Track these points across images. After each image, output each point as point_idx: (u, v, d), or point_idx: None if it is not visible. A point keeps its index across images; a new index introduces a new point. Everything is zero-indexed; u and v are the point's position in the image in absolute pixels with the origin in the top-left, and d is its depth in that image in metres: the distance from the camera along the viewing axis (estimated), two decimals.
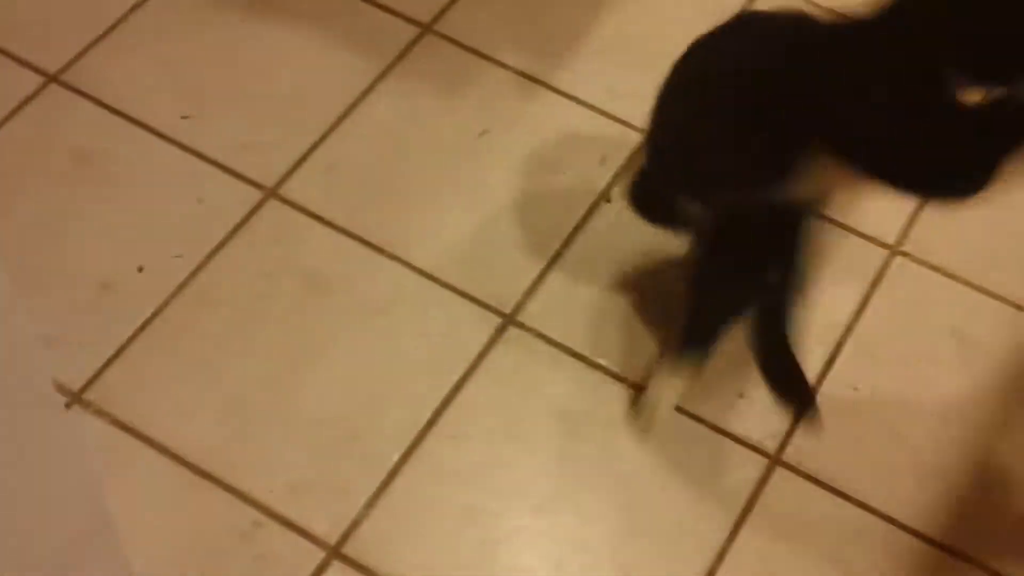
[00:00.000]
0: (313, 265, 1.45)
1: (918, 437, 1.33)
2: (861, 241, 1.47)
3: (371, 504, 1.29)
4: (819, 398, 1.34)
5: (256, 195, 1.49)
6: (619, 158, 1.53)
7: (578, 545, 1.27)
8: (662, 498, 1.29)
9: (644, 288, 1.43)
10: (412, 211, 1.49)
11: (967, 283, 1.44)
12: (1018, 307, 1.42)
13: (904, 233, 1.48)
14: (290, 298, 1.42)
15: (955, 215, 1.45)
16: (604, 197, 1.50)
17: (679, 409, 1.34)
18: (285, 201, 1.49)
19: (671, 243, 1.39)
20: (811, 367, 1.36)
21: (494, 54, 1.62)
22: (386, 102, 1.58)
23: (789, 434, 1.33)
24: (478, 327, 1.40)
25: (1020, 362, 1.37)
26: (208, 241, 1.46)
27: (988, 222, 1.46)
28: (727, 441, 1.33)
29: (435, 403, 1.35)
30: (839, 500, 1.29)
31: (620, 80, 1.59)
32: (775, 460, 1.31)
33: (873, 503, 1.29)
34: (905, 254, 1.46)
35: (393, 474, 1.31)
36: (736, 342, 1.35)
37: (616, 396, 1.35)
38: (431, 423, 1.34)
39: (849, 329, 1.40)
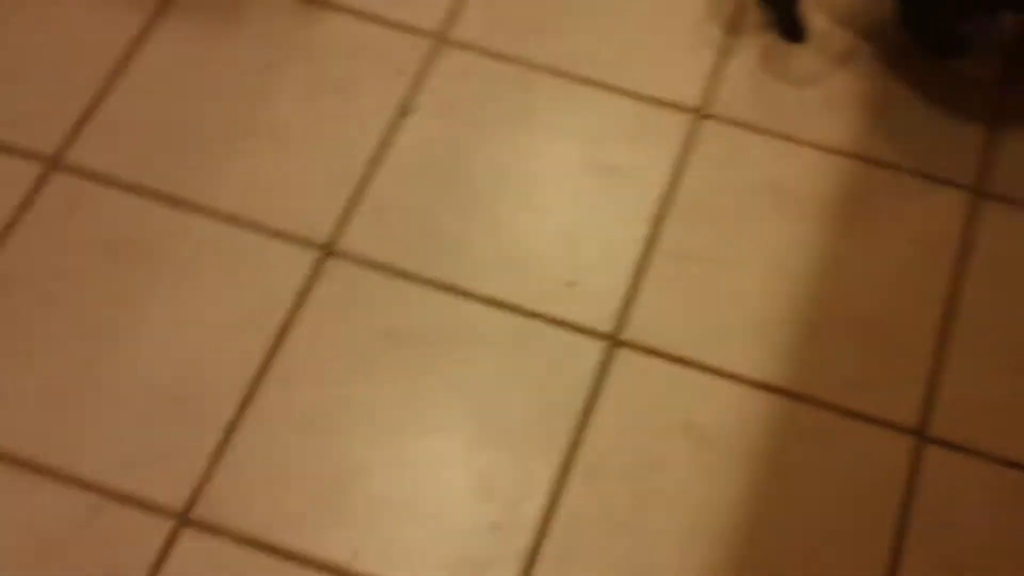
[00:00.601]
0: (112, 232, 1.37)
1: (749, 292, 1.33)
2: (667, 110, 1.45)
3: (213, 464, 1.23)
4: (647, 270, 1.33)
5: (37, 168, 1.41)
6: (413, 67, 1.48)
7: (431, 463, 1.24)
8: (509, 401, 1.26)
9: (462, 193, 1.39)
10: (207, 159, 1.42)
11: (776, 135, 1.43)
12: (828, 150, 1.42)
13: (708, 95, 1.47)
14: (94, 271, 1.35)
15: (753, 75, 1.46)
16: (404, 110, 1.45)
17: (532, 314, 1.31)
18: (71, 169, 1.41)
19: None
20: (637, 240, 1.35)
21: None
22: (161, 50, 1.50)
23: (624, 313, 1.31)
24: (295, 265, 1.35)
25: (834, 202, 1.38)
26: None
27: (781, 80, 1.46)
28: (564, 332, 1.31)
29: (263, 350, 1.30)
30: (682, 368, 1.28)
31: None
32: (614, 341, 1.30)
33: (716, 364, 1.28)
34: (711, 116, 1.45)
35: (231, 430, 1.25)
36: (554, 236, 1.34)
37: (448, 308, 1.32)
38: (262, 371, 1.28)
39: (669, 199, 1.39)
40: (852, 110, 1.44)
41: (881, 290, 1.32)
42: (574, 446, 1.24)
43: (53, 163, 1.41)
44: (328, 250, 1.36)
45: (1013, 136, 1.42)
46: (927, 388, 1.26)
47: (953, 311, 1.30)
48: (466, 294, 1.33)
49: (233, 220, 1.38)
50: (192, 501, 1.21)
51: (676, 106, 1.45)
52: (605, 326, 1.30)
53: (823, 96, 1.45)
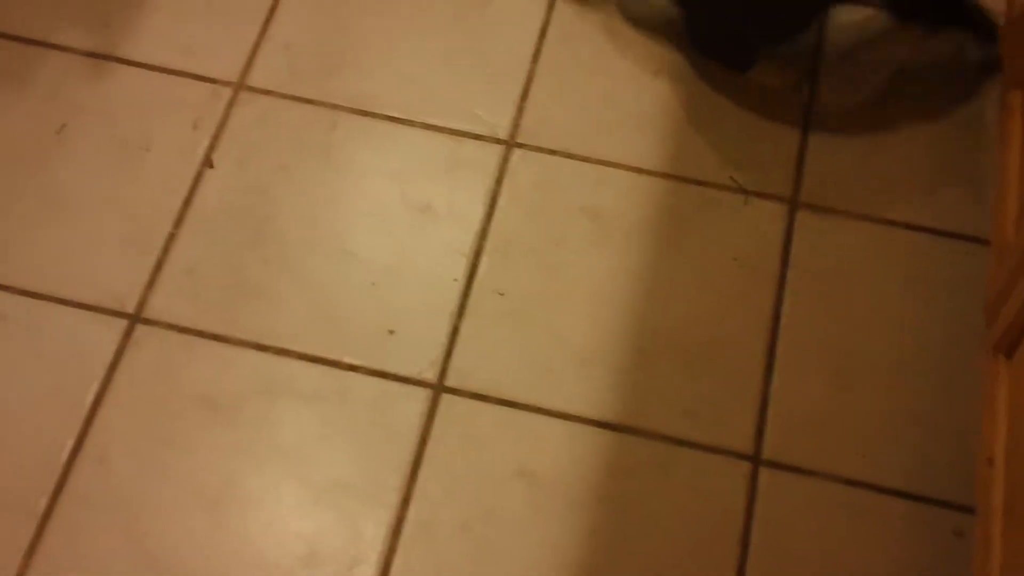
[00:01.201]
0: None
1: (573, 326, 1.30)
2: (477, 143, 1.42)
3: (29, 556, 1.17)
4: (467, 311, 1.30)
5: None
6: (213, 119, 1.42)
7: (255, 533, 1.19)
8: (334, 460, 1.22)
9: (269, 249, 1.34)
10: (2, 228, 1.35)
11: (588, 159, 1.41)
12: (641, 171, 1.40)
13: (515, 125, 1.44)
14: None
15: (560, 96, 1.44)
16: (206, 163, 1.40)
17: (351, 368, 1.27)
18: None
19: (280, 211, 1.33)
20: (456, 279, 1.32)
21: (53, 39, 1.48)
22: None
23: (447, 358, 1.28)
24: (103, 337, 1.28)
25: (648, 223, 1.36)
26: None
27: (588, 97, 1.44)
28: (386, 383, 1.27)
29: (74, 430, 1.23)
30: (511, 411, 1.25)
31: (194, 36, 1.48)
32: (438, 388, 1.26)
33: (545, 404, 1.25)
34: (521, 145, 1.42)
35: (45, 519, 1.19)
36: (368, 283, 1.30)
37: (264, 368, 1.27)
38: (75, 452, 1.22)
39: (483, 234, 1.36)
40: (662, 129, 1.43)
41: (708, 312, 1.30)
42: (405, 502, 1.20)
43: None
44: (136, 318, 1.29)
45: (818, 146, 1.43)
46: (759, 411, 1.26)
47: (777, 327, 1.30)
48: (281, 352, 1.28)
49: (29, 294, 1.31)
50: None
51: (485, 138, 1.41)
52: (428, 374, 1.27)
53: (633, 116, 1.43)
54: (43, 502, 1.20)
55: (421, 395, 1.26)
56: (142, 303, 1.31)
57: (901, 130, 1.43)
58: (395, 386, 1.26)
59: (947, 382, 1.26)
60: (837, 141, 1.42)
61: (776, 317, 1.30)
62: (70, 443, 1.23)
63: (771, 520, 1.20)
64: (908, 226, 1.36)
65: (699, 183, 1.39)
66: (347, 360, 1.27)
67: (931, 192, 1.39)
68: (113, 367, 1.27)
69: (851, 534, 1.20)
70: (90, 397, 1.25)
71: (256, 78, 1.45)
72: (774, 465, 1.23)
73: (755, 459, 1.23)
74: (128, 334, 1.29)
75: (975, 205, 1.37)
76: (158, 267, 1.33)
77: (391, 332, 1.29)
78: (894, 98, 1.45)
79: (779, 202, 1.38)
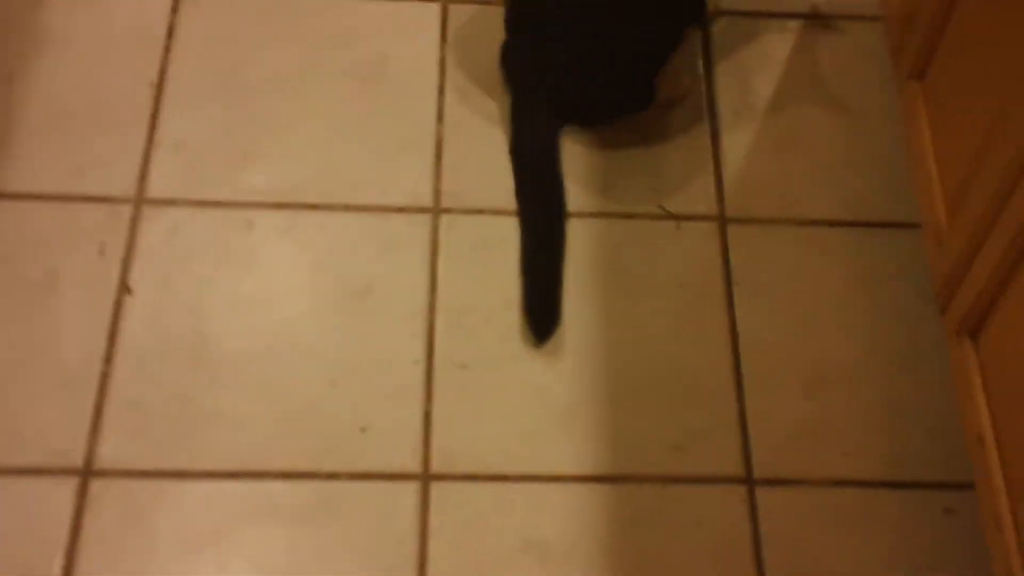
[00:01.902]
0: None
1: (543, 385, 1.28)
2: (404, 216, 1.38)
3: None
4: (435, 390, 1.27)
5: None
6: (119, 242, 1.34)
7: None
8: (336, 572, 1.18)
9: (214, 369, 1.27)
10: None
11: (512, 213, 1.39)
12: (574, 215, 1.39)
13: (436, 190, 1.40)
14: None
15: (472, 158, 1.42)
16: (124, 290, 1.31)
17: (331, 476, 1.22)
18: None
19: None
20: (416, 361, 1.29)
21: None
22: None
23: (427, 444, 1.25)
24: (56, 498, 1.19)
25: (594, 265, 1.37)
26: None
27: (501, 149, 1.42)
28: (371, 483, 1.22)
29: None
30: (503, 484, 1.22)
31: (80, 155, 1.38)
32: (426, 477, 1.23)
33: (534, 470, 1.23)
34: (447, 210, 1.39)
35: None
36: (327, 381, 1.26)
37: (239, 494, 1.20)
38: None
39: (432, 307, 1.32)
40: (583, 169, 1.42)
41: (670, 345, 1.31)
42: None
43: None
44: (87, 472, 1.21)
45: (732, 157, 1.45)
46: (741, 432, 1.27)
47: (739, 348, 1.32)
48: (254, 474, 1.22)
49: None
50: None
51: (410, 209, 1.38)
52: (411, 465, 1.23)
53: None
54: None
55: (410, 488, 1.22)
56: (90, 454, 1.22)
57: (805, 127, 1.47)
58: (381, 485, 1.22)
59: (910, 368, 1.32)
60: (748, 149, 1.45)
61: (734, 336, 1.32)
62: None
63: (777, 536, 1.22)
64: (832, 223, 1.40)
65: (630, 216, 1.39)
66: (326, 468, 1.23)
67: (844, 185, 1.43)
68: (76, 530, 1.18)
69: (851, 532, 1.23)
70: (58, 568, 1.16)
71: (155, 189, 1.37)
72: (767, 482, 1.25)
73: (748, 480, 1.25)
74: (83, 491, 1.20)
75: (890, 193, 1.43)
76: (98, 411, 1.24)
77: (363, 430, 1.25)
78: (791, 96, 1.49)
79: (709, 221, 1.40)
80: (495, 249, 1.36)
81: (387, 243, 1.36)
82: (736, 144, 1.45)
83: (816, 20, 1.57)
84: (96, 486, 1.21)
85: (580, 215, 1.39)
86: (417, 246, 1.36)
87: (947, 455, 1.26)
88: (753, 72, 1.52)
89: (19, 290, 1.30)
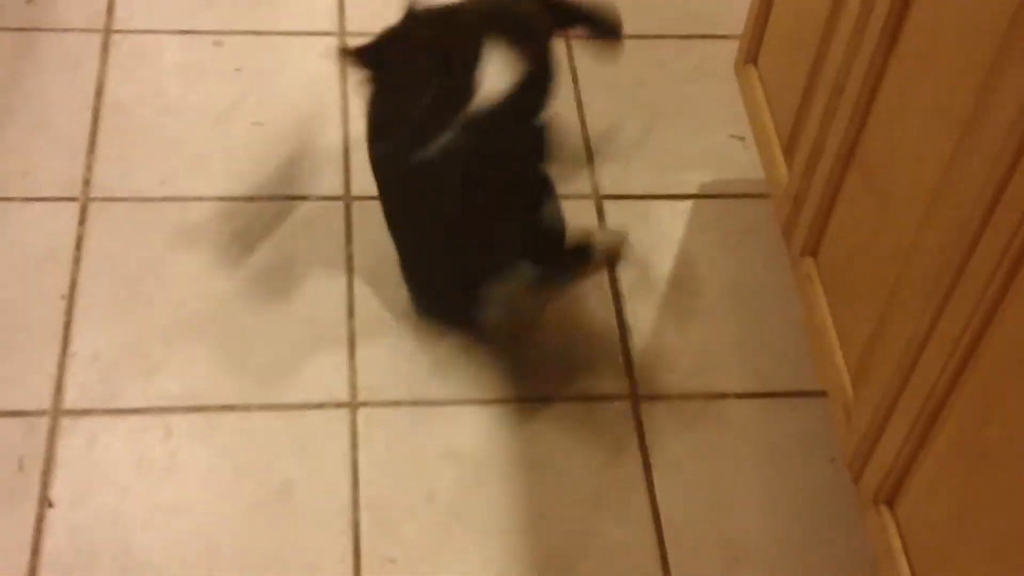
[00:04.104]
0: None
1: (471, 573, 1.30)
2: (319, 411, 1.38)
3: None
4: None
5: None
6: (37, 455, 1.31)
7: None
8: None
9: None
10: None
11: (431, 402, 1.41)
12: (484, 402, 1.42)
13: (352, 384, 1.42)
14: None
15: (385, 350, 1.43)
16: (45, 503, 1.28)
17: None
18: None
19: None
20: (342, 560, 1.28)
21: None
22: None
23: None
24: None
25: (512, 452, 1.39)
26: None
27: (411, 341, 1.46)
28: None
29: None
30: None
31: None
32: None
33: None
34: (364, 403, 1.40)
35: None
36: None
37: None
38: None
39: (356, 503, 1.31)
40: (494, 358, 1.46)
41: (593, 525, 1.32)
42: None
43: None
44: None
45: (640, 333, 1.50)
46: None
47: (661, 529, 1.34)
48: None
49: None
50: None
51: (327, 404, 1.39)
52: None
53: (463, 353, 1.46)
54: None
55: None
56: None
57: (706, 302, 1.53)
58: None
59: (826, 540, 1.34)
60: (653, 326, 1.50)
61: (656, 517, 1.34)
62: None
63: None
64: (741, 395, 1.45)
65: (543, 400, 1.43)
66: None
67: (750, 357, 1.49)
68: None
69: None
70: None
71: (71, 400, 1.36)
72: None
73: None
74: None
75: (795, 363, 1.48)
76: None
77: None
78: (689, 273, 1.56)
79: (621, 400, 1.43)
80: (415, 439, 1.38)
81: (306, 440, 1.36)
82: (641, 322, 1.50)
83: (704, 199, 1.65)
84: None
85: (498, 402, 1.42)
86: (337, 441, 1.37)
87: None
88: (651, 251, 1.59)
89: None
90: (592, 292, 1.53)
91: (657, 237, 1.60)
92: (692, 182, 1.67)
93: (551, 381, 1.45)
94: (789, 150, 1.43)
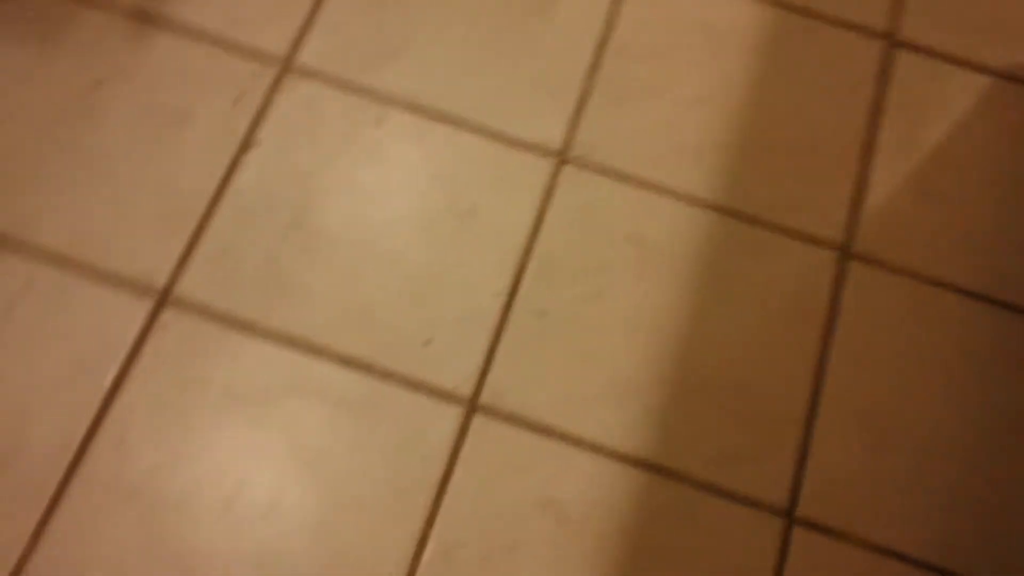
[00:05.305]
0: None
1: (612, 355, 1.27)
2: (529, 153, 1.38)
3: (37, 536, 1.13)
4: (506, 328, 1.27)
5: None
6: (256, 97, 1.37)
7: (278, 537, 1.16)
8: (361, 470, 1.19)
9: (307, 241, 1.30)
10: (31, 191, 1.29)
11: (637, 183, 1.37)
12: (690, 200, 1.37)
13: (567, 139, 1.40)
14: None
15: (616, 115, 1.40)
16: (247, 143, 1.34)
17: (386, 374, 1.23)
18: None
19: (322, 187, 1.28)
20: (497, 294, 1.29)
21: None
22: None
23: (483, 375, 1.25)
24: (128, 313, 1.24)
25: (697, 256, 1.34)
26: None
27: (645, 120, 1.40)
28: (420, 395, 1.23)
29: (92, 410, 1.19)
30: (542, 437, 1.22)
31: (244, 5, 1.42)
32: (472, 406, 1.23)
33: (575, 433, 1.23)
34: (572, 161, 1.38)
35: (56, 499, 1.15)
36: (408, 286, 1.26)
37: (293, 365, 1.23)
38: (91, 433, 1.18)
39: (528, 250, 1.32)
40: (718, 161, 1.39)
41: (751, 356, 1.28)
42: (429, 522, 1.17)
43: None
44: (164, 298, 1.25)
45: (872, 195, 1.40)
46: (796, 466, 1.24)
47: (821, 379, 1.28)
48: (313, 350, 1.24)
49: (59, 261, 1.25)
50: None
51: (537, 149, 1.38)
52: (463, 389, 1.24)
53: (688, 144, 1.39)
54: (54, 483, 1.16)
55: (454, 412, 1.23)
56: (171, 283, 1.26)
57: (963, 184, 1.41)
58: (428, 400, 1.23)
59: (983, 459, 1.26)
60: (896, 188, 1.39)
61: (820, 370, 1.28)
62: (86, 424, 1.19)
63: None
64: (962, 291, 1.34)
65: (752, 221, 1.36)
66: (381, 365, 1.24)
67: (988, 257, 1.37)
68: (137, 348, 1.22)
69: None
70: (110, 378, 1.21)
71: (305, 58, 1.39)
72: (807, 524, 1.21)
73: (789, 516, 1.21)
74: (154, 315, 1.24)
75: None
76: (190, 247, 1.28)
77: (427, 342, 1.25)
78: (958, 149, 1.43)
79: (830, 249, 1.35)
80: (604, 214, 1.35)
81: (505, 174, 1.36)
82: (884, 180, 1.40)
83: (1011, 81, 1.49)
84: (168, 314, 1.24)
85: (703, 205, 1.37)
86: (533, 187, 1.35)
87: (999, 553, 1.20)
88: (927, 112, 1.46)
89: (154, 117, 1.34)
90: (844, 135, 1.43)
91: (940, 102, 1.47)
92: (1000, 58, 1.52)
93: (763, 207, 1.38)
94: None
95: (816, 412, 1.26)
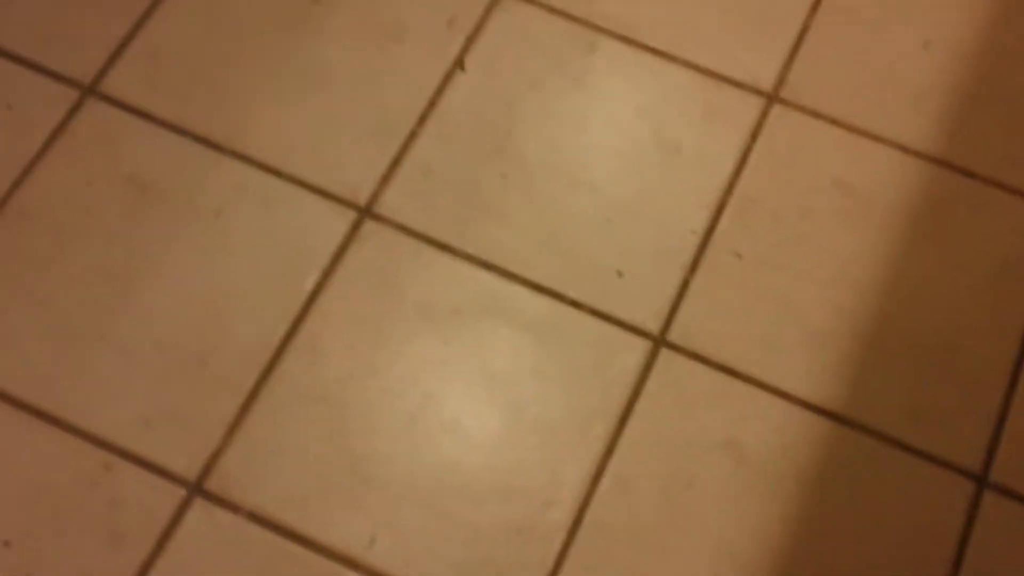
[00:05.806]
0: (141, 168, 1.30)
1: (807, 303, 1.24)
2: (738, 91, 1.35)
3: (231, 433, 1.18)
4: (700, 265, 1.25)
5: (73, 94, 1.33)
6: (470, 18, 1.38)
7: (455, 454, 1.19)
8: (544, 395, 1.20)
9: (508, 166, 1.31)
10: (246, 97, 1.34)
11: (852, 129, 1.33)
12: (905, 149, 1.32)
13: (781, 77, 1.36)
14: (117, 208, 1.28)
15: (833, 56, 1.35)
16: (458, 65, 1.36)
17: (575, 304, 1.24)
18: (105, 98, 1.33)
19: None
20: (694, 231, 1.27)
21: None
22: None
23: (673, 311, 1.24)
24: (331, 224, 1.27)
25: (906, 209, 1.29)
26: (23, 151, 1.30)
27: (863, 62, 1.35)
28: (607, 326, 1.23)
29: (291, 314, 1.23)
30: (727, 378, 1.21)
31: None
32: (659, 341, 1.23)
33: (763, 377, 1.21)
34: (783, 101, 1.35)
35: (251, 398, 1.20)
36: (604, 217, 1.26)
37: (486, 287, 1.25)
38: (288, 337, 1.23)
39: (729, 189, 1.30)
40: (939, 109, 1.34)
41: (954, 314, 1.23)
42: (607, 453, 1.18)
43: (88, 90, 1.33)
44: (366, 212, 1.28)
45: None
46: (993, 429, 1.19)
47: None
48: (505, 274, 1.25)
49: (268, 169, 1.30)
50: (207, 470, 1.16)
51: (747, 87, 1.34)
52: (651, 324, 1.23)
53: (909, 89, 1.34)
54: (251, 381, 1.21)
55: (640, 345, 1.22)
56: (374, 197, 1.29)
57: None
58: (615, 331, 1.23)
59: None
60: None
61: None
62: (285, 327, 1.23)
63: (988, 549, 1.14)
64: None
65: (970, 175, 1.30)
66: (571, 295, 1.24)
67: None
68: (337, 258, 1.26)
69: None
70: (310, 284, 1.25)
71: None
72: (1000, 490, 1.16)
73: (981, 480, 1.17)
74: (356, 227, 1.27)
75: None
76: (395, 164, 1.30)
77: (619, 274, 1.25)
78: None
79: None
80: (812, 157, 1.31)
81: (712, 111, 1.33)
82: None
83: None
84: (368, 227, 1.27)
85: (918, 155, 1.31)
86: (739, 125, 1.32)
87: None
88: None
89: (369, 31, 1.37)
90: None
91: None
92: None
93: (984, 161, 1.32)
94: None
95: (1019, 379, 1.20)
